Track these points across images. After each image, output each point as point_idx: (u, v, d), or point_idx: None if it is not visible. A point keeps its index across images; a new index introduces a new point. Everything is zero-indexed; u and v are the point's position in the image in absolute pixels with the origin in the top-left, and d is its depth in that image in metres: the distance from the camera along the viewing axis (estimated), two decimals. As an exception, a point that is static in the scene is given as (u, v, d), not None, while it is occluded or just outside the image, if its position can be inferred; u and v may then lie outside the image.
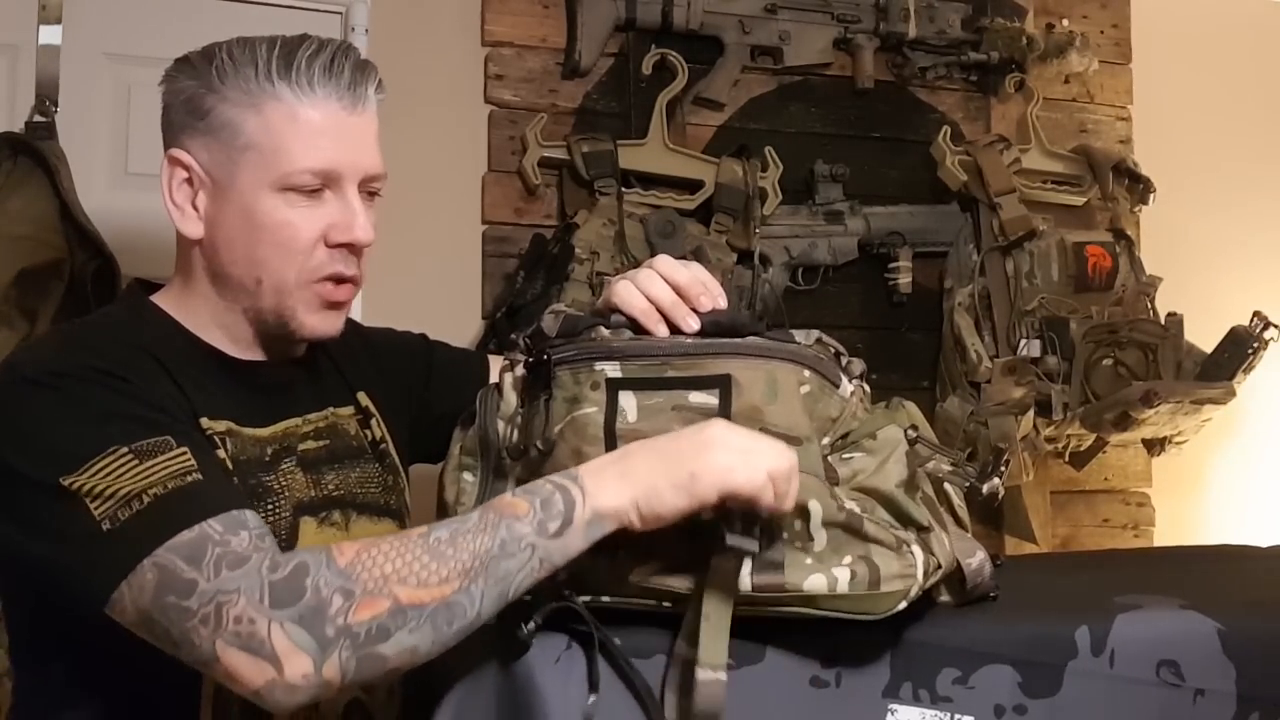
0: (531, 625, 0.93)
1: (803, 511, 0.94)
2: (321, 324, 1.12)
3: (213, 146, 1.09)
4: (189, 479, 0.94)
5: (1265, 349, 2.27)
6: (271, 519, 1.07)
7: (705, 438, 0.92)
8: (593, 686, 0.92)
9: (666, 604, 0.97)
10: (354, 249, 1.11)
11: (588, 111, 2.25)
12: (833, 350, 1.03)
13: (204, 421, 1.06)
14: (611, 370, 0.98)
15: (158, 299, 1.16)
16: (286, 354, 1.17)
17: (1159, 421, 2.25)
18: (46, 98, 1.78)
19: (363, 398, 1.25)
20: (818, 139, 2.37)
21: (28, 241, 1.69)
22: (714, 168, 2.22)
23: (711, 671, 0.91)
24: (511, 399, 1.05)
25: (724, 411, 0.96)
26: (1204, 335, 2.33)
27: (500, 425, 1.05)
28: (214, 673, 0.91)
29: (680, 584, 0.96)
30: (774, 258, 2.25)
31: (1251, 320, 2.28)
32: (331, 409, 1.20)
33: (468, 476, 1.07)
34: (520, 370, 1.04)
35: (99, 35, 1.96)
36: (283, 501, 1.10)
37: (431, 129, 2.17)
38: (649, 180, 2.20)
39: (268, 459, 1.11)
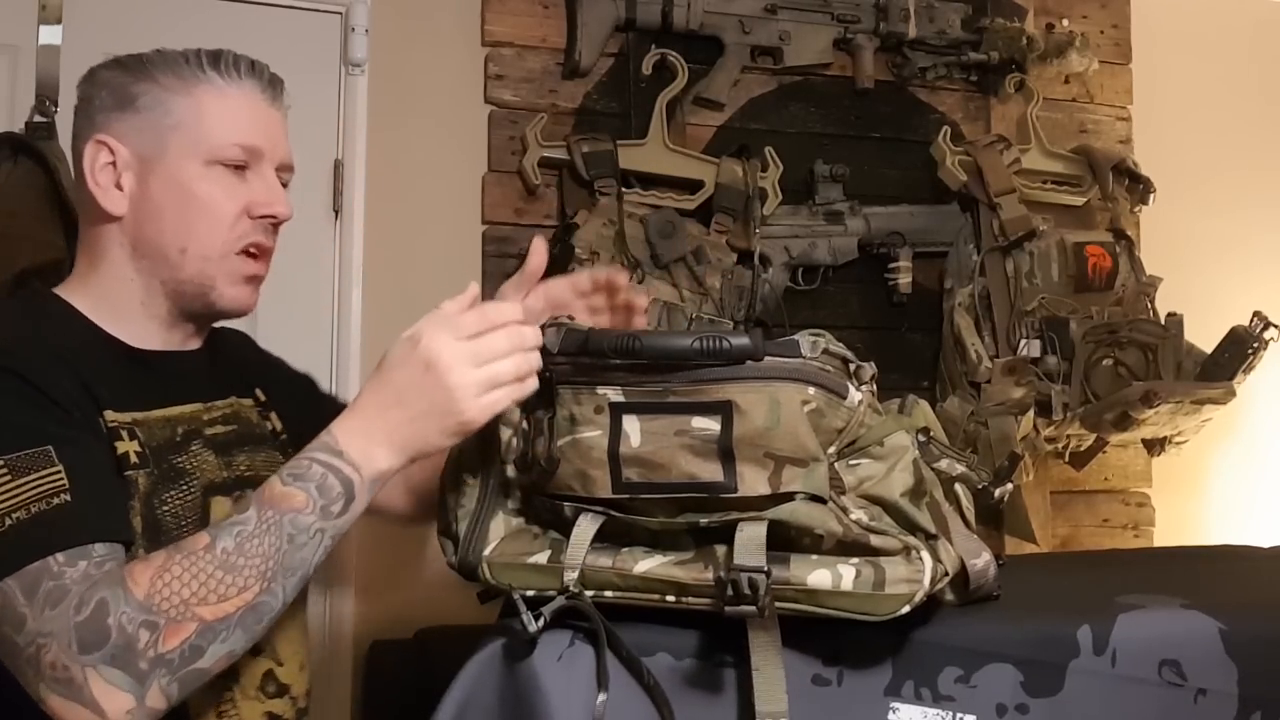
0: (539, 623, 0.93)
1: (811, 536, 0.95)
2: (239, 295, 1.17)
3: (142, 128, 1.13)
4: (54, 501, 0.96)
5: (1265, 349, 2.27)
6: (183, 500, 1.10)
7: (450, 383, 0.98)
8: (602, 685, 0.92)
9: (670, 597, 0.97)
10: (275, 224, 1.17)
11: (588, 111, 2.25)
12: (840, 358, 1.01)
13: (109, 414, 1.07)
14: (615, 395, 0.99)
15: (60, 291, 1.17)
16: (187, 342, 1.20)
17: (1159, 421, 2.25)
18: (46, 98, 1.78)
19: (260, 393, 1.29)
20: (818, 139, 2.37)
21: (28, 241, 1.69)
22: (714, 168, 2.22)
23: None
24: (514, 407, 1.05)
25: (726, 438, 0.96)
26: (1204, 335, 2.33)
27: (503, 431, 1.06)
28: (47, 710, 0.94)
29: (685, 574, 0.96)
30: (774, 258, 2.25)
31: (1251, 320, 2.28)
32: (235, 398, 1.24)
33: (467, 478, 1.07)
34: None
35: (99, 35, 1.96)
36: (194, 482, 1.12)
37: (431, 129, 2.17)
38: (649, 180, 2.20)
39: (178, 439, 1.13)
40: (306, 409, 1.31)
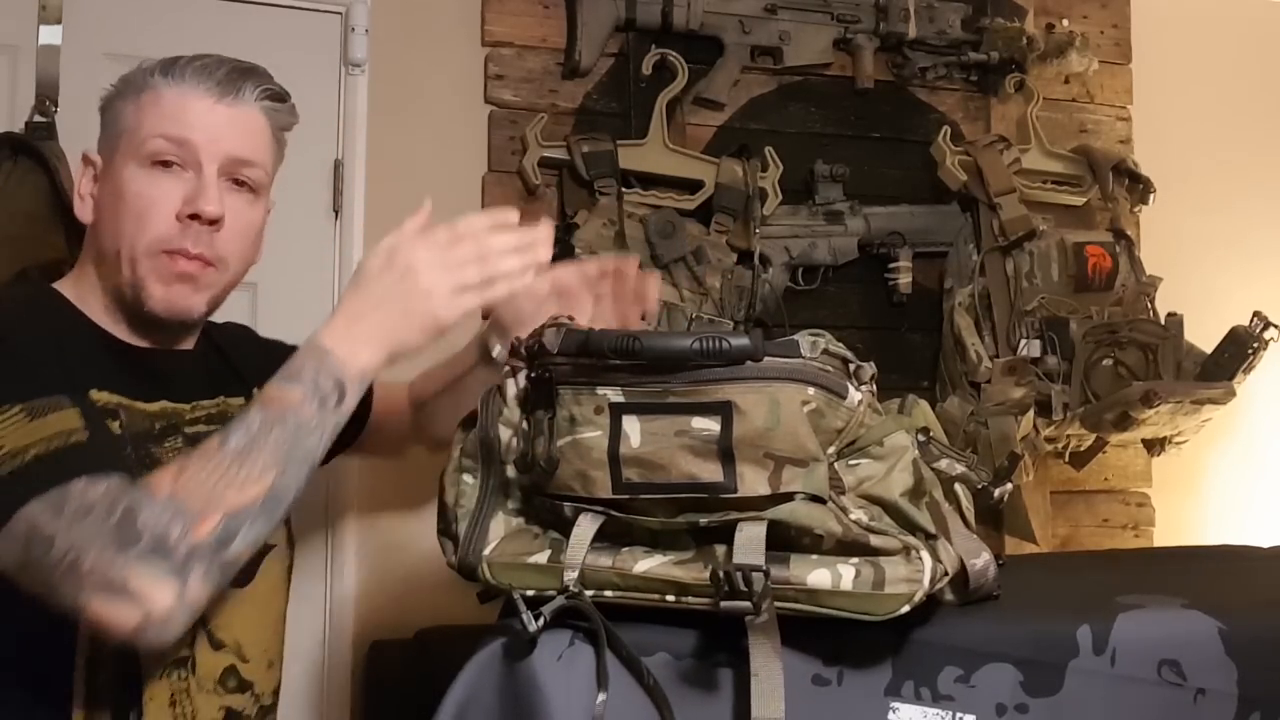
0: (539, 623, 0.93)
1: (811, 536, 0.95)
2: (171, 296, 1.15)
3: (104, 139, 1.20)
4: (72, 439, 1.00)
5: (1265, 349, 2.27)
6: None
7: (425, 286, 1.07)
8: (601, 685, 0.92)
9: (670, 597, 0.97)
10: (202, 222, 1.15)
11: (588, 111, 2.24)
12: (840, 358, 1.01)
13: (93, 394, 1.10)
14: (615, 395, 0.99)
15: (59, 285, 1.21)
16: (173, 343, 1.22)
17: (1159, 421, 2.25)
18: (46, 98, 1.79)
19: (257, 392, 1.29)
20: (818, 139, 2.37)
21: (28, 241, 1.69)
22: (714, 168, 2.22)
23: None
24: (514, 407, 1.05)
25: (726, 438, 0.96)
26: (1204, 335, 2.33)
27: (503, 431, 1.06)
28: (85, 621, 0.98)
29: (685, 574, 0.97)
30: (774, 258, 2.25)
31: (1251, 320, 2.28)
32: (224, 398, 1.26)
33: (467, 479, 1.08)
34: (522, 381, 1.05)
35: (99, 35, 1.96)
36: None
37: (431, 129, 2.17)
38: (649, 180, 2.20)
39: (156, 432, 1.16)
40: None
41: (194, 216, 1.14)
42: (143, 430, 1.14)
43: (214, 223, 1.15)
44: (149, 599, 0.94)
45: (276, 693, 1.24)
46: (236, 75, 1.18)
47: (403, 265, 1.08)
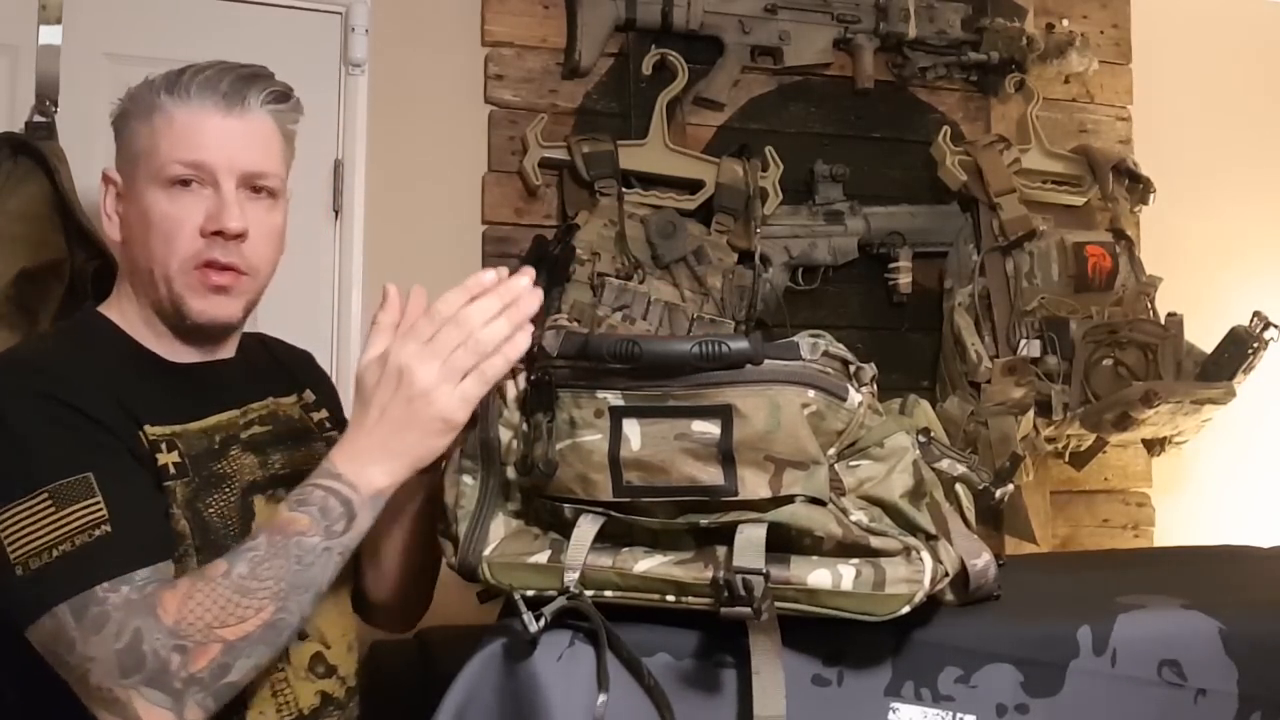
0: (539, 623, 0.93)
1: (811, 537, 0.95)
2: (210, 308, 1.19)
3: (122, 157, 1.22)
4: (96, 533, 1.03)
5: (1265, 349, 2.27)
6: (225, 503, 1.16)
7: (423, 386, 1.03)
8: (602, 686, 0.92)
9: (670, 597, 0.97)
10: (227, 238, 1.18)
11: (588, 112, 2.25)
12: (840, 360, 1.01)
13: (148, 428, 1.13)
14: (614, 399, 0.99)
15: (103, 307, 1.25)
16: (215, 352, 1.25)
17: (1159, 421, 2.25)
18: (46, 98, 1.79)
19: (308, 394, 1.34)
20: (818, 139, 2.37)
21: (28, 241, 1.69)
22: (714, 168, 2.22)
23: None
24: (514, 409, 1.05)
25: (726, 441, 0.96)
26: (1204, 335, 2.33)
27: (503, 433, 1.06)
28: None
29: (685, 574, 0.96)
30: (774, 258, 2.25)
31: (1251, 320, 2.28)
32: (272, 398, 1.28)
33: (467, 480, 1.07)
34: (522, 383, 1.05)
35: (99, 35, 1.96)
36: (234, 485, 1.18)
37: (431, 129, 2.17)
38: (649, 180, 2.20)
39: (216, 447, 1.19)
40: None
41: (218, 233, 1.17)
42: (203, 450, 1.17)
43: (238, 236, 1.18)
44: None
45: (358, 674, 1.27)
46: (241, 84, 1.19)
47: (395, 370, 1.04)
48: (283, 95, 1.23)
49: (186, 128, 1.17)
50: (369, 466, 1.05)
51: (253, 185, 1.20)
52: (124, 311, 1.22)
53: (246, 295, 1.22)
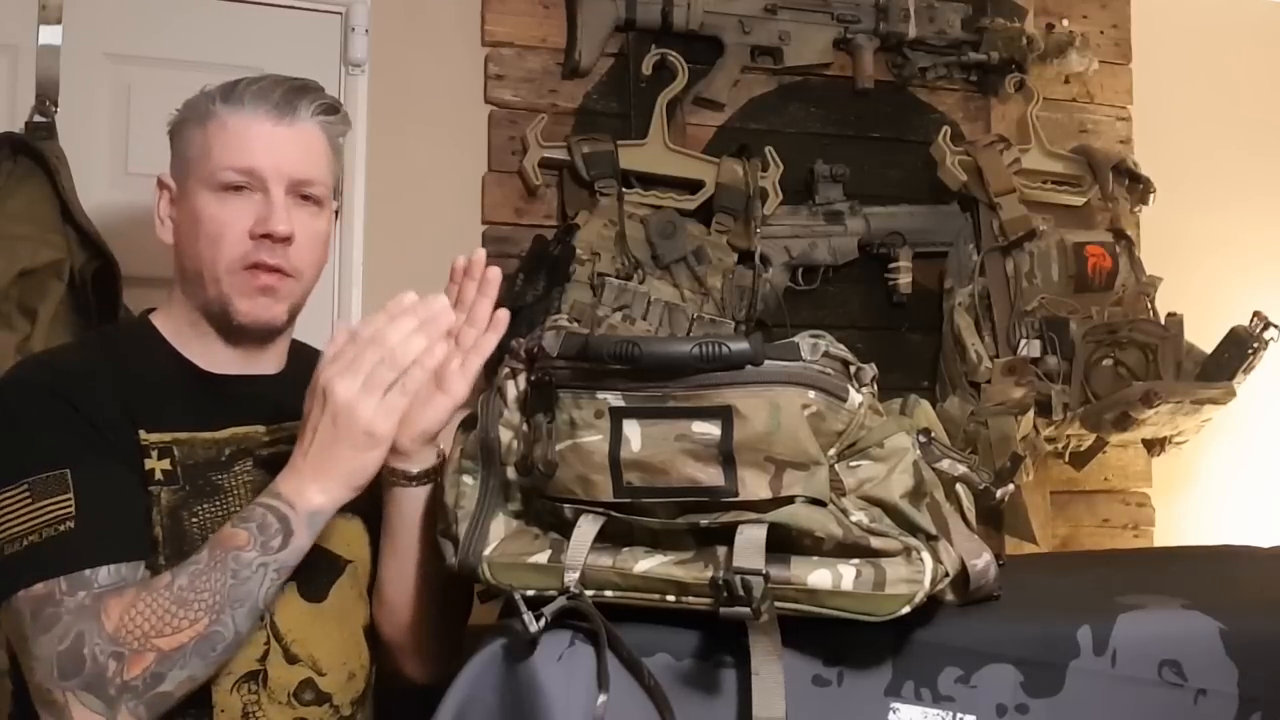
0: (539, 623, 0.93)
1: (811, 538, 0.95)
2: (255, 308, 1.24)
3: (176, 164, 1.27)
4: (60, 529, 1.08)
5: (1265, 349, 2.27)
6: (212, 515, 1.19)
7: (345, 402, 1.07)
8: (602, 686, 0.92)
9: (670, 596, 0.97)
10: (274, 241, 1.22)
11: (588, 112, 2.24)
12: (841, 361, 1.01)
13: (143, 434, 1.17)
14: (615, 399, 0.99)
15: (154, 315, 1.30)
16: (256, 362, 1.29)
17: (1159, 421, 2.25)
18: (46, 98, 1.79)
19: None
20: (818, 139, 2.37)
21: (28, 241, 1.69)
22: (714, 168, 2.22)
23: None
24: (514, 409, 1.05)
25: (726, 442, 0.96)
26: (1204, 335, 2.33)
27: (504, 433, 1.06)
28: None
29: (685, 574, 0.96)
30: (774, 258, 2.25)
31: (1251, 320, 2.28)
32: None
33: (467, 480, 1.08)
34: (522, 383, 1.05)
35: (99, 35, 1.96)
36: (231, 499, 1.21)
37: (431, 129, 2.17)
38: (649, 180, 2.20)
39: (223, 459, 1.22)
40: None
41: (266, 235, 1.22)
42: (204, 460, 1.20)
43: (285, 240, 1.22)
44: None
45: (358, 702, 1.27)
46: (292, 95, 1.24)
47: (321, 393, 1.09)
48: (332, 108, 1.28)
49: (239, 135, 1.22)
50: (307, 485, 1.10)
51: (300, 192, 1.24)
52: (172, 316, 1.27)
53: (291, 298, 1.26)
